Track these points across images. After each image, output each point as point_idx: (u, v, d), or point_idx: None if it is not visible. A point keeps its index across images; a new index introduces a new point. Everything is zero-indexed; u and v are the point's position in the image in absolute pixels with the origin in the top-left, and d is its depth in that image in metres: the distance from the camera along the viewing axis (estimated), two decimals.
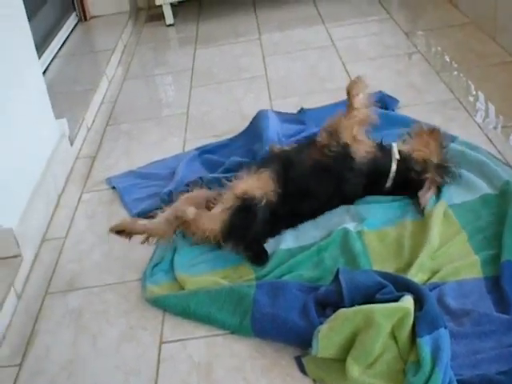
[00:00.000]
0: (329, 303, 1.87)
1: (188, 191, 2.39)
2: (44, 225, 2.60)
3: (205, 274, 2.16)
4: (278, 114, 3.05)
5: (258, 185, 2.18)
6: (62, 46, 4.37)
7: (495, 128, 2.73)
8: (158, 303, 2.08)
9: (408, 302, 1.75)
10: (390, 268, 2.02)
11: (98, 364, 1.93)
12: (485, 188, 2.29)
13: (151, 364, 1.89)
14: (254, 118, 2.98)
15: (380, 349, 1.69)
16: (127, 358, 1.93)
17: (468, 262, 2.00)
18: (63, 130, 2.99)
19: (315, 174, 2.28)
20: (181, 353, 1.91)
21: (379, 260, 2.09)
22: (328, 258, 2.11)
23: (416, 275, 1.95)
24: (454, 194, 2.29)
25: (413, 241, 2.12)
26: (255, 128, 2.91)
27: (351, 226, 2.22)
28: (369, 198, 2.36)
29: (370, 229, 2.21)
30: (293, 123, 3.00)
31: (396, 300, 1.77)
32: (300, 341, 1.81)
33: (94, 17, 4.93)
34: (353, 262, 2.07)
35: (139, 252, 2.34)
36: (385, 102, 2.96)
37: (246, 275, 2.12)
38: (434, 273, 1.98)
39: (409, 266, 2.01)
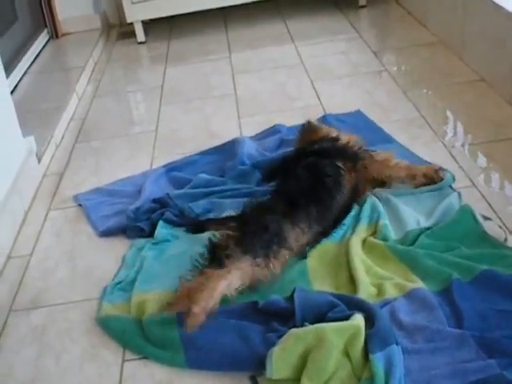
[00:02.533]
0: (278, 320, 1.89)
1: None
2: (10, 242, 2.59)
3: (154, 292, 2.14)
4: (253, 137, 3.08)
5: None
6: (33, 62, 4.37)
7: (461, 146, 2.76)
8: (103, 324, 2.07)
9: (359, 319, 1.78)
10: (329, 287, 2.05)
11: (61, 382, 1.92)
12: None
13: (113, 382, 1.88)
14: (229, 141, 3.00)
15: (334, 366, 1.70)
16: (90, 377, 1.92)
17: (408, 278, 2.03)
18: (31, 147, 2.99)
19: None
20: (142, 371, 1.90)
21: (318, 278, 2.10)
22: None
23: (364, 293, 1.97)
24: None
25: (347, 259, 2.14)
26: (228, 147, 2.94)
27: None
28: None
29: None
30: (269, 136, 3.04)
31: (347, 318, 1.80)
32: (244, 368, 1.81)
33: (66, 34, 4.93)
34: (290, 283, 2.05)
35: (104, 269, 2.34)
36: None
37: None
38: (380, 289, 1.99)
39: (349, 284, 2.04)
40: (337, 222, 2.29)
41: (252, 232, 2.07)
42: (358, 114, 3.11)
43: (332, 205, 2.27)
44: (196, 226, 2.41)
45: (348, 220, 2.33)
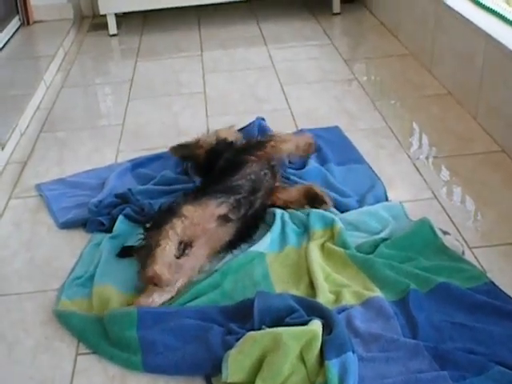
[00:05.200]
0: (237, 322, 1.90)
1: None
2: None
3: (126, 291, 2.15)
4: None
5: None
6: (2, 49, 4.32)
7: (425, 158, 2.79)
8: (61, 319, 2.06)
9: (316, 325, 1.79)
10: (291, 291, 2.06)
11: (13, 373, 1.90)
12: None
13: (66, 375, 1.87)
14: None
15: (288, 370, 1.71)
16: (42, 369, 1.90)
17: (366, 286, 2.05)
18: None
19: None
20: (96, 366, 1.89)
21: (280, 282, 2.12)
22: (228, 283, 2.12)
23: (322, 298, 1.98)
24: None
25: (307, 264, 2.16)
26: None
27: (257, 247, 2.25)
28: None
29: (272, 251, 2.25)
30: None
31: (305, 324, 1.81)
32: (201, 371, 1.81)
33: (37, 22, 4.88)
34: (253, 286, 2.09)
35: (62, 261, 2.33)
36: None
37: None
38: (337, 296, 2.01)
39: (310, 288, 2.06)
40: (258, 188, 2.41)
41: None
42: (336, 130, 3.06)
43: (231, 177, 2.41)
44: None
45: (300, 224, 2.37)
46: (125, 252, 2.30)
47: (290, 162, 2.77)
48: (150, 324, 1.93)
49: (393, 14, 4.29)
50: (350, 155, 2.84)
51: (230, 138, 2.71)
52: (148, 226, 2.28)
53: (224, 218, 2.27)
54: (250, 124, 3.08)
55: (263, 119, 3.13)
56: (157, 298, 2.05)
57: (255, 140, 2.70)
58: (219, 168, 2.51)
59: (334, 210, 2.44)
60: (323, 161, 2.78)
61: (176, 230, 2.13)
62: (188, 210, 2.22)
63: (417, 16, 3.80)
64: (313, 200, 2.45)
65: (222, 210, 2.28)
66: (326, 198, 2.45)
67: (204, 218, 2.23)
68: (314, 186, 2.49)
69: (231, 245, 2.29)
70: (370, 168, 2.72)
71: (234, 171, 2.44)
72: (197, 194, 2.34)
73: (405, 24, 4.06)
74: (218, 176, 2.45)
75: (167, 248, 2.07)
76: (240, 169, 2.45)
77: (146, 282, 2.06)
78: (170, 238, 2.10)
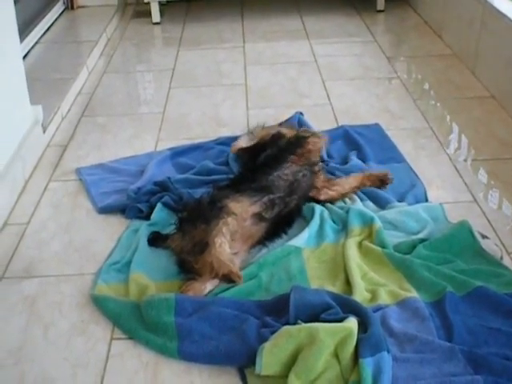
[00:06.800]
0: (273, 315, 1.91)
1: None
2: (7, 209, 2.59)
3: (161, 279, 2.16)
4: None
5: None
6: (46, 32, 4.35)
7: (465, 160, 2.77)
8: (97, 303, 2.07)
9: (352, 323, 1.79)
10: (327, 287, 2.05)
11: (47, 354, 1.92)
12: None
13: (100, 359, 1.89)
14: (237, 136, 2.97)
15: (322, 366, 1.71)
16: (76, 351, 1.92)
17: (402, 286, 2.04)
18: (37, 116, 2.98)
19: None
20: (130, 351, 1.91)
21: (316, 278, 2.12)
22: (265, 275, 2.12)
23: (358, 296, 1.98)
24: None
25: (344, 261, 2.16)
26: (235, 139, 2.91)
27: (294, 241, 2.26)
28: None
29: (309, 246, 2.25)
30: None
31: (340, 321, 1.81)
32: (235, 362, 1.82)
33: (81, 7, 4.92)
34: (289, 280, 2.10)
35: (100, 246, 2.35)
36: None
37: None
38: (373, 294, 2.01)
39: (345, 285, 2.06)
40: (294, 190, 2.40)
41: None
42: (376, 127, 3.05)
43: (269, 175, 2.40)
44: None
45: (338, 221, 2.37)
46: (155, 240, 2.31)
47: (329, 157, 2.77)
48: (187, 311, 1.94)
49: (437, 13, 4.25)
50: (390, 154, 2.83)
51: (288, 135, 2.67)
52: (181, 215, 2.29)
53: (258, 217, 2.28)
54: (290, 118, 3.08)
55: (302, 114, 3.13)
56: (209, 287, 2.08)
57: (295, 137, 2.65)
58: (259, 164, 2.50)
59: (374, 206, 2.44)
60: (363, 159, 2.76)
61: (229, 227, 2.15)
62: (236, 207, 2.22)
63: (462, 16, 3.76)
64: (378, 183, 2.54)
65: (256, 208, 2.28)
66: (388, 175, 2.56)
67: (241, 216, 2.24)
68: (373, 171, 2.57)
69: (264, 241, 2.30)
70: (411, 168, 2.70)
71: (272, 169, 2.43)
72: (232, 189, 2.35)
73: (449, 24, 4.02)
74: (256, 172, 2.44)
75: (223, 245, 2.09)
76: (278, 168, 2.44)
77: (214, 277, 2.07)
78: (224, 235, 2.11)
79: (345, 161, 2.76)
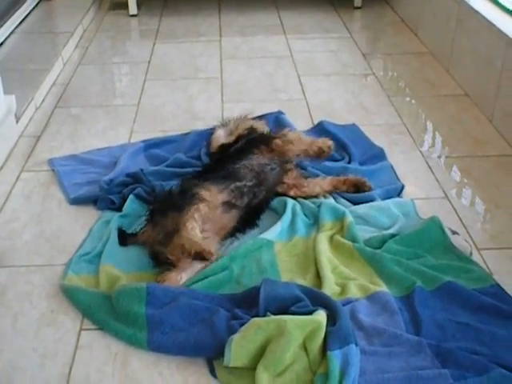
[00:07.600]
0: (243, 307, 1.91)
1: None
2: None
3: (133, 271, 2.16)
4: None
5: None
6: (21, 22, 4.32)
7: (438, 157, 2.79)
8: (67, 293, 2.07)
9: (321, 315, 1.80)
10: (298, 280, 2.05)
11: (16, 344, 1.91)
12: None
13: (68, 349, 1.88)
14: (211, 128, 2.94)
15: (290, 358, 1.72)
16: (45, 342, 1.91)
17: (372, 280, 2.06)
18: (10, 106, 2.96)
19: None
20: (99, 341, 1.90)
21: (287, 271, 2.13)
22: (236, 267, 2.13)
23: (328, 290, 1.98)
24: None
25: (314, 255, 2.17)
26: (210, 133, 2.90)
27: (266, 235, 2.26)
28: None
29: (281, 240, 2.26)
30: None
31: (310, 314, 1.82)
32: (205, 353, 1.82)
33: None
34: (260, 273, 2.10)
35: (71, 237, 2.34)
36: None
37: None
38: (343, 288, 2.01)
39: (316, 279, 2.07)
40: (262, 181, 2.41)
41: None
42: (353, 127, 3.03)
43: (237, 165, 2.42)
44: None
45: (310, 216, 2.39)
46: (124, 238, 2.30)
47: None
48: (158, 302, 1.94)
49: (414, 11, 4.27)
50: (370, 152, 2.81)
51: (261, 130, 2.71)
52: (152, 207, 2.29)
53: (228, 205, 2.28)
54: (266, 115, 3.07)
55: (282, 113, 3.13)
56: (184, 277, 2.08)
57: (264, 134, 2.67)
58: (226, 155, 2.53)
59: (347, 202, 2.45)
60: (349, 159, 2.75)
61: (201, 213, 2.16)
62: (206, 194, 2.23)
63: (438, 15, 3.78)
64: (355, 188, 2.52)
65: (225, 196, 2.29)
66: (366, 183, 2.52)
67: (212, 203, 2.24)
68: (349, 177, 2.55)
69: (235, 233, 2.31)
70: (390, 165, 2.70)
71: (237, 159, 2.45)
72: (200, 178, 2.36)
73: (426, 22, 4.05)
74: (223, 163, 2.46)
75: (194, 229, 2.10)
76: (244, 158, 2.45)
77: (187, 257, 2.07)
78: (196, 220, 2.13)
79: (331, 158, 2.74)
